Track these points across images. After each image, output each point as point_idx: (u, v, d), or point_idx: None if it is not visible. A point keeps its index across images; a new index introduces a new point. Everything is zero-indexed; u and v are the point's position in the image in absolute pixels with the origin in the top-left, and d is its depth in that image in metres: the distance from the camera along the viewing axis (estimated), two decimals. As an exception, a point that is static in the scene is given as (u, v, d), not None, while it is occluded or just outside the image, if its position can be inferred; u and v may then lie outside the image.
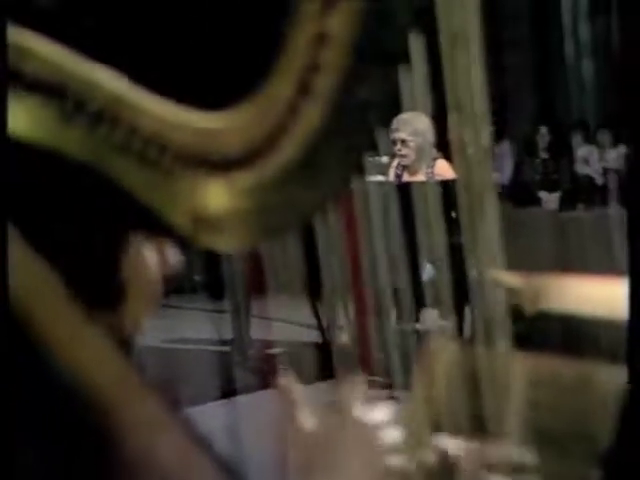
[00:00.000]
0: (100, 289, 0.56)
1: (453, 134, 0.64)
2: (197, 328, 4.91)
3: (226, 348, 4.69)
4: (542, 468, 0.69)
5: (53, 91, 0.54)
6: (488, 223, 0.66)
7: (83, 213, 0.55)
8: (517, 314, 0.74)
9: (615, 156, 7.75)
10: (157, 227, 0.56)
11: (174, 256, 0.61)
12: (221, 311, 4.77)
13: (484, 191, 0.66)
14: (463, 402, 0.70)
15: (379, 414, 0.58)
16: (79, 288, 0.53)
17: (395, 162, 4.24)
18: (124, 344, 0.56)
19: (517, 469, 0.65)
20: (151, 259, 0.59)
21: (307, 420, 0.57)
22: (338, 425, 0.57)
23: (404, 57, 0.55)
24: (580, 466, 0.70)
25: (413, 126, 4.00)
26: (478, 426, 0.70)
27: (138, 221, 0.56)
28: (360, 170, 0.58)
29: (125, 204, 0.55)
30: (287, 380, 0.59)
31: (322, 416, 0.58)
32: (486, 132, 0.65)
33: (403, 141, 4.10)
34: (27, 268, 0.52)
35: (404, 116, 3.78)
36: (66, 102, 0.54)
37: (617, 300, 0.80)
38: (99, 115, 0.54)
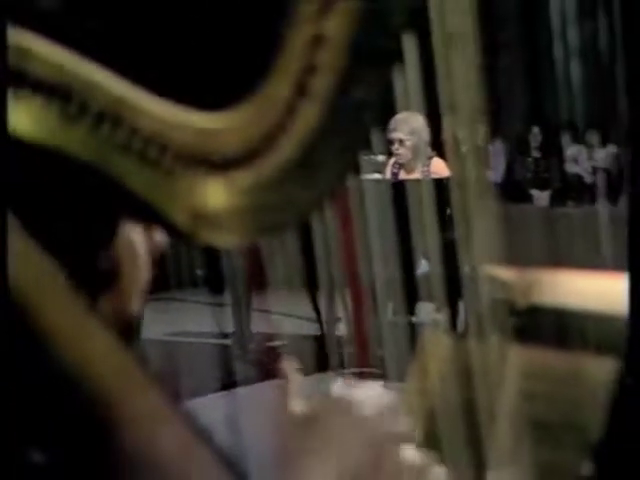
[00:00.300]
0: (93, 274, 0.55)
1: (447, 133, 0.64)
2: (199, 322, 4.91)
3: (227, 341, 4.69)
4: (534, 458, 0.69)
5: (56, 92, 0.53)
6: (483, 220, 0.65)
7: (81, 206, 0.55)
8: (510, 308, 0.73)
9: (603, 155, 7.77)
10: (157, 223, 0.56)
11: (160, 237, 0.61)
12: (222, 305, 4.77)
13: (479, 189, 0.65)
14: (456, 394, 0.69)
15: (370, 400, 0.58)
16: (74, 275, 0.53)
17: (392, 160, 4.24)
18: (124, 332, 0.56)
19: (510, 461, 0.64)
20: (139, 241, 0.59)
21: (299, 405, 0.57)
22: (329, 410, 0.57)
23: (398, 57, 0.55)
24: (572, 456, 0.70)
25: (410, 125, 4.01)
26: (471, 417, 0.70)
27: (138, 217, 0.56)
28: (356, 169, 0.58)
29: (125, 200, 0.55)
30: (289, 366, 0.59)
31: (314, 402, 0.57)
32: (481, 131, 0.64)
33: (400, 141, 4.10)
34: (29, 260, 0.52)
35: (401, 116, 3.78)
36: (68, 103, 0.53)
37: (606, 293, 0.80)
38: (101, 115, 0.54)
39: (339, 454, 0.55)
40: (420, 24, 0.57)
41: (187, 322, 4.92)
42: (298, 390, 0.58)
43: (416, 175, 4.15)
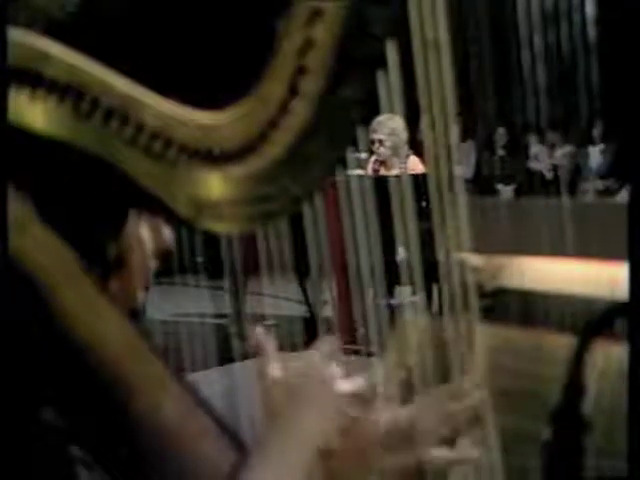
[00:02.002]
0: (100, 262, 0.55)
1: (425, 133, 0.64)
2: (199, 303, 4.91)
3: (224, 321, 4.69)
4: (500, 424, 0.69)
5: (69, 91, 0.53)
6: (455, 211, 0.66)
7: (91, 196, 0.54)
8: (479, 290, 0.74)
9: (562, 154, 7.84)
10: (161, 212, 0.56)
11: (168, 233, 0.60)
12: (220, 288, 4.77)
13: (452, 183, 0.66)
14: (432, 367, 0.70)
15: (343, 371, 0.57)
16: (84, 259, 0.53)
17: (373, 158, 4.24)
18: (131, 312, 0.56)
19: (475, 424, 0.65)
20: (146, 236, 0.59)
21: (276, 369, 0.57)
22: (303, 373, 0.56)
23: (381, 62, 0.55)
24: (533, 423, 0.70)
25: (389, 127, 4.02)
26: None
27: (143, 206, 0.56)
28: (344, 163, 0.57)
29: (131, 191, 0.54)
30: (261, 334, 0.58)
31: (290, 366, 0.57)
32: (454, 131, 0.64)
33: (380, 141, 4.11)
34: (45, 244, 0.52)
35: (381, 118, 3.77)
36: (80, 101, 0.53)
37: (566, 276, 0.80)
38: (110, 113, 0.53)
39: (308, 415, 0.54)
40: (401, 32, 0.57)
41: (189, 304, 4.91)
42: (274, 354, 0.57)
43: (395, 171, 4.16)
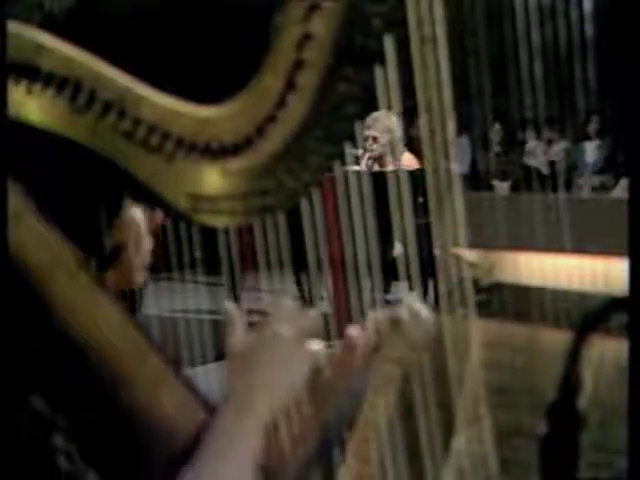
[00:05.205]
0: (98, 254, 0.55)
1: (422, 129, 0.64)
2: (196, 299, 4.90)
3: (222, 317, 4.68)
4: (496, 418, 0.69)
5: (66, 84, 0.53)
6: (452, 206, 0.66)
7: (88, 188, 0.54)
8: (475, 285, 0.74)
9: (557, 150, 7.85)
10: (158, 205, 0.56)
11: (158, 213, 0.60)
12: (217, 284, 4.77)
13: (449, 179, 0.66)
14: (429, 362, 0.70)
15: (304, 326, 0.58)
16: (83, 251, 0.53)
17: (366, 155, 4.25)
18: (128, 302, 0.56)
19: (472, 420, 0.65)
20: (140, 218, 0.59)
21: (241, 338, 0.57)
22: (265, 339, 0.56)
23: (379, 57, 0.55)
24: (528, 417, 0.70)
25: (383, 124, 4.02)
26: (441, 384, 0.70)
27: (140, 199, 0.56)
28: (341, 158, 0.57)
29: (129, 184, 0.54)
30: (231, 307, 0.59)
31: (253, 334, 0.57)
32: (450, 127, 0.64)
33: (374, 138, 4.11)
34: (42, 238, 0.51)
35: (375, 115, 3.78)
36: (77, 95, 0.53)
37: (562, 272, 0.80)
38: (107, 106, 0.53)
39: (280, 381, 0.54)
40: (399, 27, 0.57)
41: (186, 300, 4.91)
42: (240, 324, 0.58)
43: (388, 168, 4.16)
